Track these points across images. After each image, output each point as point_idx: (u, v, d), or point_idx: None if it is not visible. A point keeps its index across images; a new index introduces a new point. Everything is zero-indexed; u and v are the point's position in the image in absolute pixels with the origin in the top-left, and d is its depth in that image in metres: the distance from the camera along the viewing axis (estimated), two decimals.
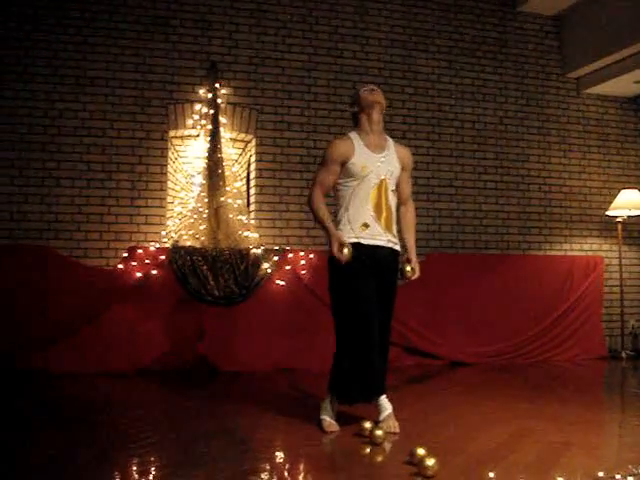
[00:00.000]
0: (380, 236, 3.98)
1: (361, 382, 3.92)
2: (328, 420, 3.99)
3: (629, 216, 8.05)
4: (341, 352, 3.96)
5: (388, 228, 4.01)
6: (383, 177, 4.00)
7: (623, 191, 7.96)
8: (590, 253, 8.22)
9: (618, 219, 8.02)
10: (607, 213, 8.11)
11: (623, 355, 7.69)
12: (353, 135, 4.08)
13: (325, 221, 3.97)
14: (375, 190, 3.98)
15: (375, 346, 3.90)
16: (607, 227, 8.34)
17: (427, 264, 7.37)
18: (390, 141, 4.17)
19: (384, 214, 3.99)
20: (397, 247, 4.10)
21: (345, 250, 3.83)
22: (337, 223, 4.02)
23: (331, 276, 4.02)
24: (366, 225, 3.95)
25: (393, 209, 4.07)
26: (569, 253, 8.15)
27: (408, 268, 4.09)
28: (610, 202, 8.09)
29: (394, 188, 4.09)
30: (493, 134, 8.02)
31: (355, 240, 3.93)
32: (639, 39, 7.32)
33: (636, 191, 7.93)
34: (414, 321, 7.02)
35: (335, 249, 3.86)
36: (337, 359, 3.99)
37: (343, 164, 3.99)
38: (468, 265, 7.50)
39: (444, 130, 7.80)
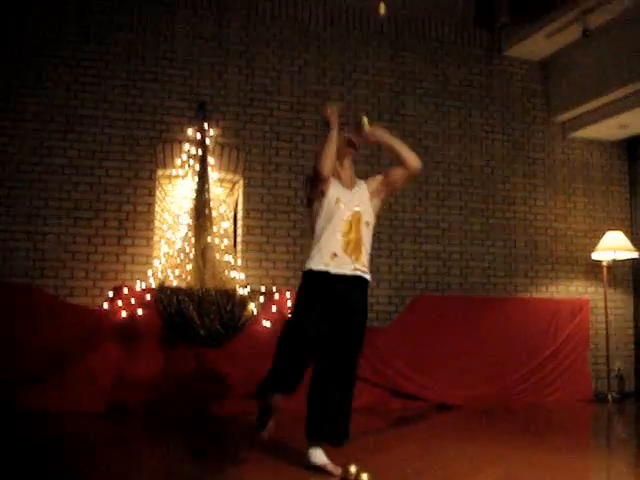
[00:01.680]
0: (347, 265, 4.11)
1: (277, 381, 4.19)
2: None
3: (614, 259, 8.09)
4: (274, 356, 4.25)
5: (357, 259, 4.14)
6: (356, 209, 4.19)
7: (608, 233, 8.02)
8: (576, 295, 8.24)
9: (603, 262, 8.05)
10: (593, 256, 8.16)
11: (609, 398, 7.68)
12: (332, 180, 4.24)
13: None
14: (347, 222, 4.15)
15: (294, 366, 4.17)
16: (593, 269, 8.38)
17: (413, 306, 7.41)
18: (361, 181, 4.36)
19: (353, 245, 4.14)
20: (366, 276, 4.20)
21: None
22: (310, 254, 4.20)
23: (297, 295, 4.23)
24: (335, 255, 4.10)
25: (364, 240, 4.21)
26: (555, 295, 8.17)
27: (365, 120, 4.18)
28: (595, 245, 8.13)
29: (368, 220, 4.25)
30: (480, 176, 8.08)
31: (324, 268, 4.09)
32: (622, 85, 7.44)
33: (621, 233, 7.99)
34: (400, 363, 6.99)
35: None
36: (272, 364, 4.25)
37: (323, 192, 4.19)
38: (455, 307, 7.50)
39: (431, 172, 7.86)
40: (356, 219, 4.18)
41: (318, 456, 4.00)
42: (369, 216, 4.26)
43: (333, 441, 4.06)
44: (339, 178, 4.28)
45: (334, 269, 4.09)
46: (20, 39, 6.79)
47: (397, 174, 4.38)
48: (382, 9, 4.05)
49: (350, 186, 4.29)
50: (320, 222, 4.21)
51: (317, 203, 4.24)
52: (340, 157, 4.28)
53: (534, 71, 8.54)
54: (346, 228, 4.14)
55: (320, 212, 4.21)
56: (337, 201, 4.17)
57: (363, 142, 4.37)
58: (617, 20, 7.40)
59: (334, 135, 4.12)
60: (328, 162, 4.10)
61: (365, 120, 4.20)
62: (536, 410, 6.98)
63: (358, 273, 4.15)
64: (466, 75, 8.21)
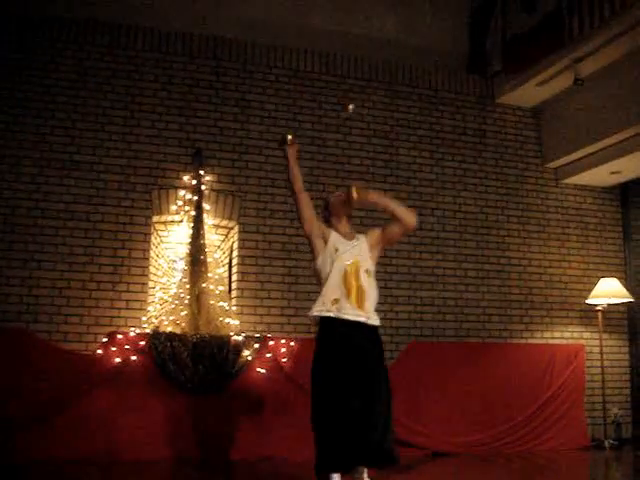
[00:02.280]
0: (350, 310, 4.33)
1: (336, 451, 4.14)
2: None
3: (609, 304, 8.10)
4: (316, 430, 4.27)
5: (360, 305, 4.35)
6: (356, 258, 4.45)
7: (602, 280, 8.04)
8: (571, 341, 8.22)
9: (598, 307, 8.06)
10: (587, 301, 8.16)
11: (606, 445, 7.61)
12: (332, 232, 4.57)
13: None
14: (347, 269, 4.39)
15: (345, 423, 4.14)
16: (587, 315, 8.37)
17: (408, 353, 7.38)
18: (360, 235, 4.64)
19: (355, 292, 4.36)
20: (372, 321, 4.39)
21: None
22: (315, 302, 4.42)
23: (313, 361, 4.37)
24: (336, 300, 4.34)
25: (366, 287, 4.41)
26: (550, 341, 8.16)
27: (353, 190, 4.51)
28: (590, 290, 8.14)
29: (368, 268, 4.48)
30: (474, 223, 8.12)
31: (326, 314, 4.35)
32: (615, 131, 7.52)
33: (615, 280, 8.01)
34: (394, 410, 6.92)
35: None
36: (316, 439, 4.26)
37: (324, 240, 4.50)
38: (450, 354, 7.47)
39: (425, 219, 7.88)
40: (355, 267, 4.41)
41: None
42: (369, 264, 4.50)
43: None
44: (338, 231, 4.56)
45: (335, 314, 4.32)
46: (18, 84, 6.86)
47: (394, 230, 4.65)
48: (350, 109, 4.31)
49: (349, 238, 4.55)
50: (322, 272, 4.46)
51: (320, 256, 4.50)
52: (337, 215, 4.62)
53: (527, 118, 8.64)
54: (346, 276, 4.37)
55: (322, 263, 4.47)
56: (336, 250, 4.42)
57: (357, 207, 4.58)
58: (608, 68, 7.50)
59: (291, 166, 4.69)
60: (297, 182, 4.62)
61: (353, 190, 4.52)
62: (532, 458, 6.92)
63: (361, 319, 4.34)
64: (459, 122, 8.30)
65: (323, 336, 4.38)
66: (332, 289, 4.37)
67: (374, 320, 4.42)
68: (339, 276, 4.38)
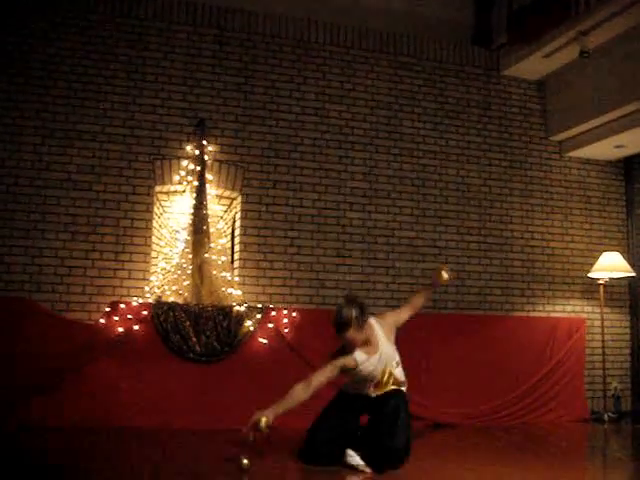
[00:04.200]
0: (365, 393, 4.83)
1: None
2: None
3: (611, 278, 8.11)
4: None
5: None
6: (384, 368, 4.74)
7: (605, 254, 8.03)
8: (572, 315, 8.25)
9: (600, 281, 8.07)
10: (589, 275, 8.17)
11: (605, 418, 7.66)
12: (357, 354, 4.67)
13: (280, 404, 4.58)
14: (380, 380, 4.77)
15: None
16: (589, 289, 8.39)
17: (409, 325, 7.39)
18: (376, 329, 4.80)
19: (384, 387, 4.79)
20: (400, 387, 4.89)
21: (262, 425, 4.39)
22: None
23: None
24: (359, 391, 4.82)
25: (398, 377, 4.85)
26: (552, 314, 8.18)
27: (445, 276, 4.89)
28: (592, 264, 8.14)
29: (397, 359, 4.88)
30: (477, 195, 8.11)
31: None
32: (619, 105, 7.46)
33: (617, 254, 8.01)
34: None
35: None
36: None
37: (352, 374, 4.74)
38: (450, 326, 7.49)
39: (428, 191, 7.88)
40: (388, 373, 4.77)
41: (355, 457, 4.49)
42: (396, 357, 4.87)
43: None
44: (364, 348, 4.70)
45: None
46: (20, 54, 6.82)
47: (405, 318, 5.11)
48: (245, 465, 4.28)
49: (375, 349, 4.72)
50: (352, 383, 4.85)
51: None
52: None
53: (532, 91, 8.59)
54: (380, 382, 4.78)
55: (352, 377, 4.79)
56: (370, 377, 4.73)
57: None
58: (615, 41, 7.44)
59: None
60: (303, 398, 4.64)
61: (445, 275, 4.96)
62: (532, 429, 6.96)
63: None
64: (464, 94, 8.25)
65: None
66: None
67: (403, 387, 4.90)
68: (372, 387, 4.80)
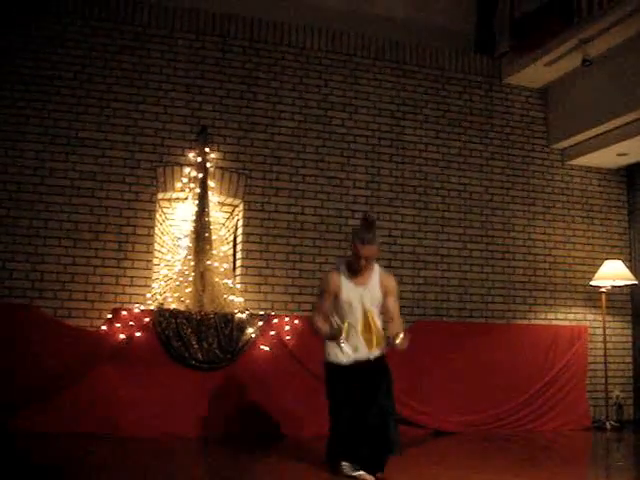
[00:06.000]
0: (365, 354, 4.67)
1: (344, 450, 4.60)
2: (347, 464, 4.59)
3: (613, 286, 8.10)
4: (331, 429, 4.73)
5: (370, 348, 4.68)
6: (368, 307, 4.68)
7: (607, 262, 8.03)
8: (574, 322, 8.23)
9: (602, 289, 8.06)
10: (591, 283, 8.16)
11: (607, 426, 7.65)
12: (342, 269, 4.75)
13: (324, 332, 4.67)
14: (362, 319, 4.66)
15: (349, 428, 4.58)
16: (591, 297, 8.38)
17: (411, 332, 7.37)
18: (375, 271, 4.79)
19: (370, 337, 4.66)
20: (376, 353, 4.72)
21: (342, 340, 4.57)
22: (327, 348, 4.77)
23: (325, 377, 4.80)
24: (356, 348, 4.65)
25: (380, 329, 4.74)
26: (553, 322, 8.17)
27: (398, 341, 4.52)
28: (594, 272, 8.14)
29: (378, 306, 4.75)
30: (479, 203, 8.11)
31: (346, 362, 4.67)
32: (621, 113, 7.48)
33: (619, 262, 8.00)
34: (397, 389, 6.93)
35: (334, 340, 4.62)
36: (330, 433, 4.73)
37: (335, 294, 4.69)
38: (452, 333, 7.48)
39: (431, 199, 7.89)
40: (370, 315, 4.67)
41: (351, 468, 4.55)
42: (378, 302, 4.74)
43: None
44: (354, 274, 4.70)
45: (354, 357, 4.66)
46: (23, 60, 6.84)
47: (386, 307, 4.83)
48: None
49: (362, 283, 4.72)
50: (338, 318, 4.74)
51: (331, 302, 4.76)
52: (357, 258, 4.64)
53: (534, 99, 8.60)
54: (363, 326, 4.67)
55: (336, 308, 4.74)
56: (350, 301, 4.67)
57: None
58: (616, 49, 7.46)
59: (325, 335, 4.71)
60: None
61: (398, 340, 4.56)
62: (533, 438, 6.95)
63: (372, 357, 4.70)
64: (466, 102, 8.26)
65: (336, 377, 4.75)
66: (352, 339, 4.68)
67: (381, 350, 4.74)
68: (357, 325, 4.68)
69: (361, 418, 4.58)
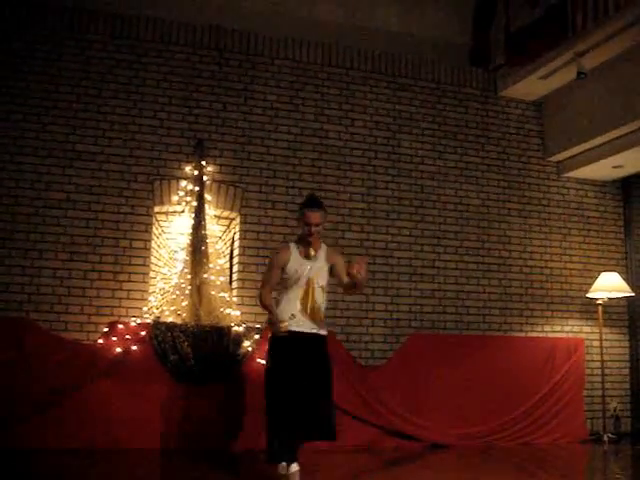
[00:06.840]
0: (305, 324, 4.91)
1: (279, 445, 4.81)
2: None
3: (609, 298, 8.11)
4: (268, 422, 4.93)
5: (313, 319, 4.94)
6: (311, 277, 4.95)
7: (603, 274, 8.04)
8: (571, 335, 8.23)
9: (599, 301, 8.07)
10: (588, 295, 8.17)
11: (605, 438, 7.64)
12: (292, 245, 5.08)
13: (271, 308, 5.00)
14: (303, 288, 4.95)
15: (288, 417, 4.80)
16: (588, 309, 8.38)
17: (408, 344, 7.40)
18: (323, 249, 5.10)
19: (309, 306, 4.94)
20: (322, 332, 5.00)
21: (282, 325, 4.80)
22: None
23: (267, 358, 5.07)
24: (293, 315, 4.91)
25: (319, 302, 5.01)
26: (550, 335, 8.17)
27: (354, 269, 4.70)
28: (590, 284, 8.14)
29: (323, 284, 5.03)
30: (475, 216, 8.12)
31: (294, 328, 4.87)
32: (617, 125, 7.51)
33: (616, 274, 8.01)
34: (395, 402, 6.96)
35: (277, 326, 4.83)
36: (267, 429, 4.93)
37: (283, 268, 4.98)
38: (449, 346, 7.49)
39: (427, 211, 7.90)
40: (312, 285, 4.95)
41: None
42: (323, 280, 5.03)
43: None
44: (303, 246, 5.01)
45: (292, 327, 4.85)
46: (20, 73, 6.85)
47: (339, 278, 5.09)
48: None
49: (311, 257, 5.01)
50: (282, 286, 5.05)
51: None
52: (306, 226, 4.94)
53: (529, 112, 8.63)
54: (302, 293, 4.95)
55: (283, 277, 5.00)
56: (295, 272, 4.94)
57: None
58: (611, 62, 7.49)
59: (271, 313, 5.00)
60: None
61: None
62: (531, 450, 6.95)
63: (314, 331, 4.94)
64: (462, 115, 8.29)
65: (280, 347, 4.94)
66: (291, 305, 4.95)
67: (324, 331, 5.03)
68: (297, 294, 4.95)
69: (308, 406, 4.78)
